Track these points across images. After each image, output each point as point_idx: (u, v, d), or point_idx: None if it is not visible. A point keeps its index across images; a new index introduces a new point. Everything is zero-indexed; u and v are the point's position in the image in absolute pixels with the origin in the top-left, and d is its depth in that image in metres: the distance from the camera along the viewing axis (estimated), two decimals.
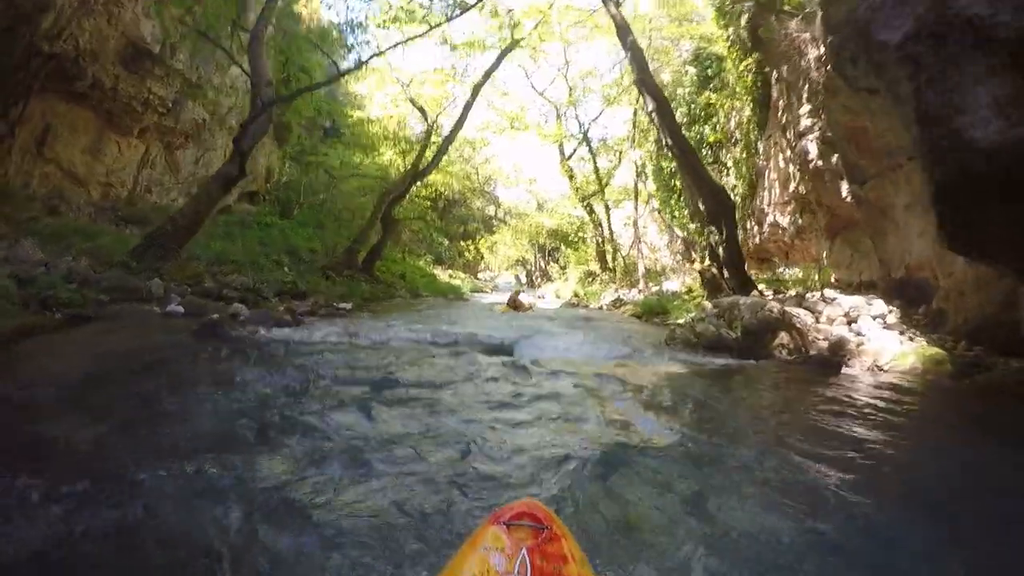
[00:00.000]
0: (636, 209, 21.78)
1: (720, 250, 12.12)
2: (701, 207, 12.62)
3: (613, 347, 8.01)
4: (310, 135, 23.54)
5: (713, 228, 12.33)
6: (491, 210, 40.01)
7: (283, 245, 15.92)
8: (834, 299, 8.73)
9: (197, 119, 16.55)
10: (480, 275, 62.37)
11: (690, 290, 16.06)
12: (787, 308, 8.01)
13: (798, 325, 7.57)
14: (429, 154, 17.96)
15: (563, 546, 1.52)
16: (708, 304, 9.70)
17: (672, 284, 20.77)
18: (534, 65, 25.61)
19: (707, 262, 13.04)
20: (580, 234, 31.42)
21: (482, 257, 25.44)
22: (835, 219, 13.06)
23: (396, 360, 6.01)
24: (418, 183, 23.02)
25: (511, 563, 1.39)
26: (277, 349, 6.21)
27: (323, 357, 5.86)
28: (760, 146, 18.02)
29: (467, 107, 17.64)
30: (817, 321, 7.96)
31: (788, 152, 14.88)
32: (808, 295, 9.50)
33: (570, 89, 25.20)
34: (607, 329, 10.80)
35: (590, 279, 28.43)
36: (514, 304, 14.73)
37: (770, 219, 17.86)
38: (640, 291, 19.90)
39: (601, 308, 17.20)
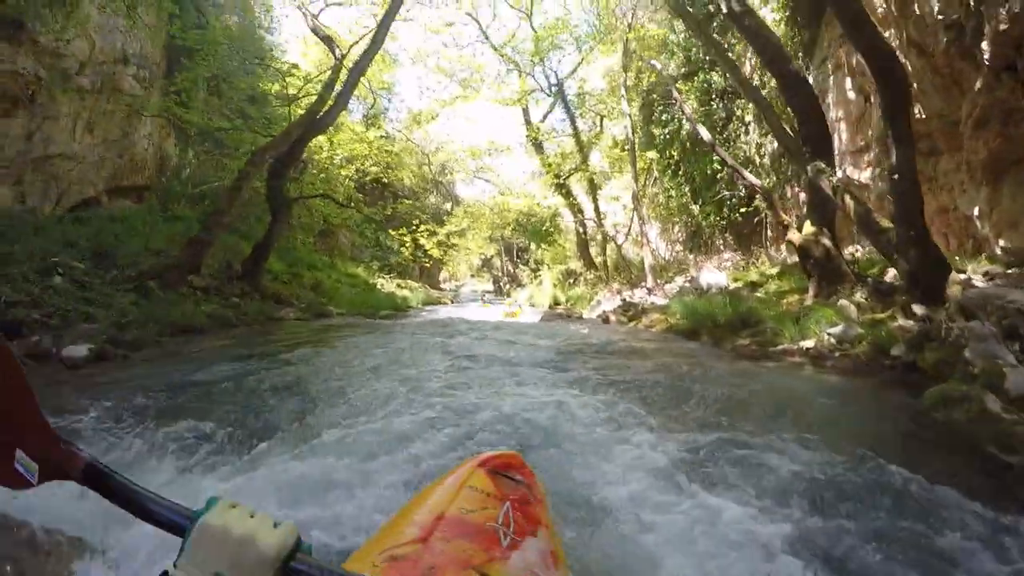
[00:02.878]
0: (635, 182, 16.14)
1: (843, 201, 6.50)
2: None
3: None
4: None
5: (821, 163, 6.72)
6: (448, 207, 34.11)
7: (125, 245, 9.95)
8: None
9: (26, 74, 10.68)
10: (444, 285, 56.63)
11: (755, 284, 10.50)
12: None
13: None
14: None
15: (539, 509, 1.46)
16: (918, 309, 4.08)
17: (680, 282, 15.27)
18: (489, 16, 19.99)
19: (811, 229, 7.45)
20: (553, 225, 25.77)
21: (427, 256, 19.13)
22: (1001, 150, 7.64)
23: None
24: (326, 151, 17.13)
25: (495, 511, 1.32)
26: None
27: None
28: (809, 78, 12.56)
29: (384, 24, 11.78)
30: None
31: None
32: None
33: (536, 39, 19.42)
34: (688, 383, 5.06)
35: (571, 280, 22.76)
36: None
37: (798, 191, 12.67)
38: (650, 291, 14.23)
39: (605, 320, 11.40)
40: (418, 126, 27.29)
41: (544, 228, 23.34)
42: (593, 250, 22.80)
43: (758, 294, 9.17)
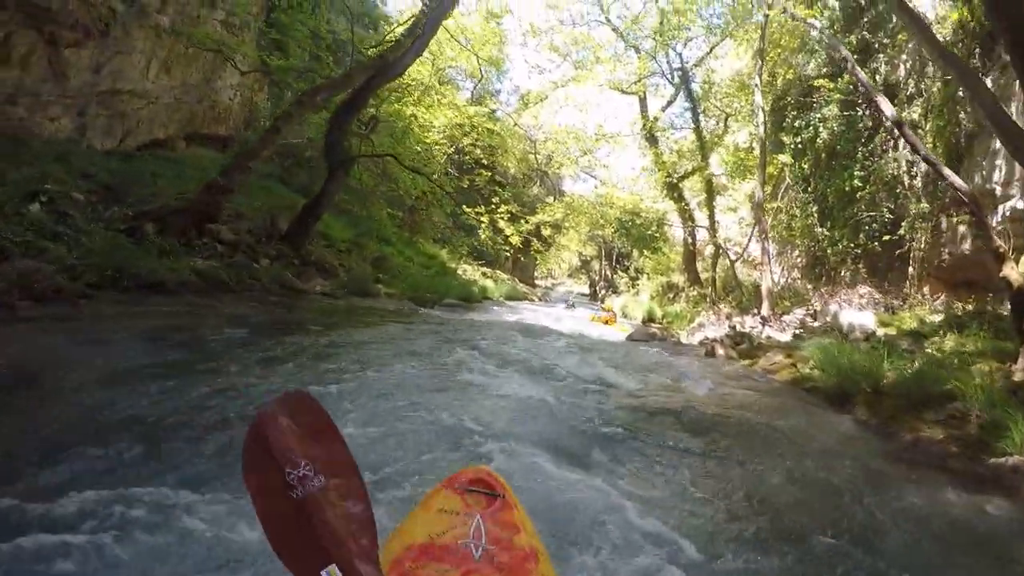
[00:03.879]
0: (761, 188, 13.33)
1: None
2: None
3: None
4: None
5: None
6: (550, 200, 32.03)
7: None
8: None
9: (99, 5, 10.01)
10: (540, 282, 54.75)
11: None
12: None
13: None
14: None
15: (514, 515, 1.47)
16: None
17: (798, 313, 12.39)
18: None
19: None
20: (659, 231, 23.08)
21: (507, 243, 16.92)
22: None
23: None
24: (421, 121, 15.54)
25: (466, 527, 1.35)
26: None
27: None
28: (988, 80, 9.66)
29: None
30: None
31: None
32: None
33: (661, 14, 16.83)
34: (870, 534, 2.74)
35: (671, 295, 20.10)
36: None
37: (1005, 210, 9.58)
38: (764, 321, 11.54)
39: (710, 352, 8.80)
40: (526, 108, 25.46)
41: (649, 233, 20.75)
42: (700, 265, 20.00)
43: (928, 350, 6.44)
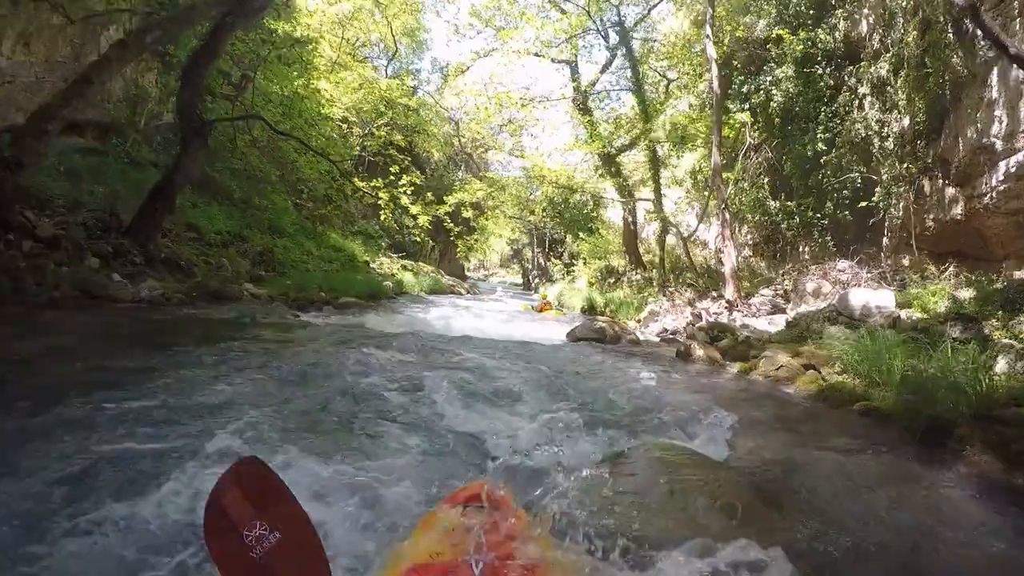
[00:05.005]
0: (719, 153, 11.43)
1: None
2: None
3: None
4: None
5: None
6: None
7: None
8: None
9: None
10: (472, 274, 52.27)
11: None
12: None
13: None
14: None
15: (516, 527, 1.44)
16: None
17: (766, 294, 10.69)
18: None
19: None
20: (596, 211, 21.16)
21: (417, 225, 14.12)
22: None
23: None
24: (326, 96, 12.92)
25: (466, 543, 1.31)
26: None
27: None
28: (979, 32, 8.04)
29: None
30: None
31: None
32: None
33: None
34: None
35: (612, 280, 18.25)
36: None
37: (1009, 167, 8.07)
38: (731, 305, 9.69)
39: (684, 354, 6.55)
40: (446, 83, 22.96)
41: (585, 212, 18.79)
42: (641, 247, 18.26)
43: (1006, 340, 4.59)
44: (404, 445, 2.85)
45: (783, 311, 9.03)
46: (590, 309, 15.74)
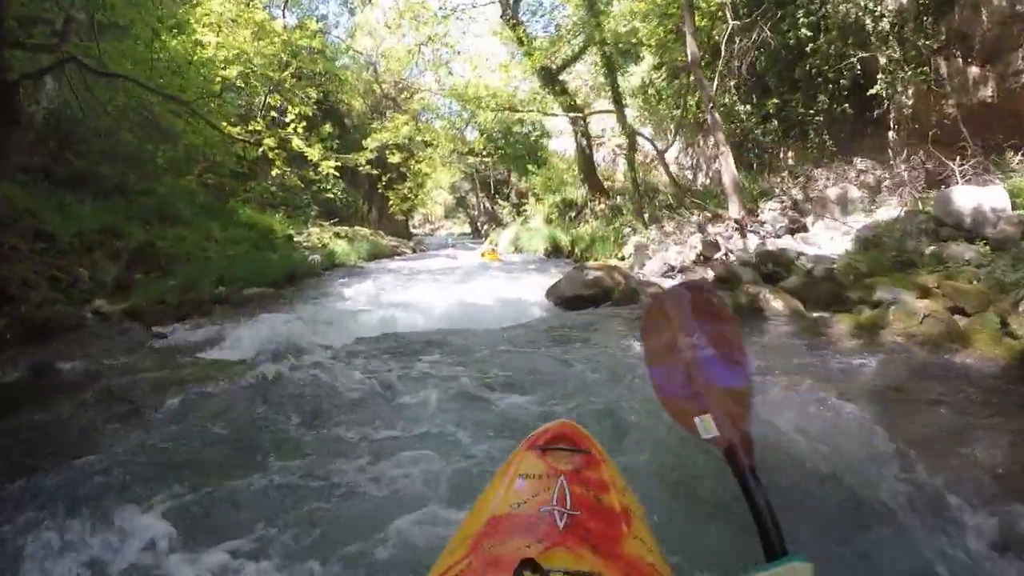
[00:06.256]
0: (694, 42, 9.26)
1: None
2: None
3: None
4: None
5: None
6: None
7: None
8: None
9: None
10: (418, 230, 49.31)
11: None
12: None
13: None
14: None
15: (603, 472, 1.30)
16: None
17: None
18: None
19: None
20: (539, 142, 18.91)
21: (317, 173, 11.34)
22: None
23: None
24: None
25: (548, 492, 1.19)
26: None
27: None
28: None
29: None
30: None
31: None
32: None
33: None
34: None
35: (572, 213, 16.31)
36: None
37: None
38: (739, 225, 7.83)
39: (741, 300, 4.60)
40: (356, 28, 19.84)
41: (531, 141, 16.46)
42: (601, 168, 16.25)
43: None
44: None
45: (803, 227, 7.23)
46: (554, 250, 13.81)
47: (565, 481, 1.21)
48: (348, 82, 23.47)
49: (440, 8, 12.56)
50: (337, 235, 18.57)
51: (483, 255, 15.43)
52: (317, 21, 24.42)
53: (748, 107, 11.58)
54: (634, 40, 12.95)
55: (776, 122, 11.03)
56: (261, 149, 9.32)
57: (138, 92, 9.01)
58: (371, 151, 12.76)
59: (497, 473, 1.40)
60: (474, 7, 13.36)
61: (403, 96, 28.01)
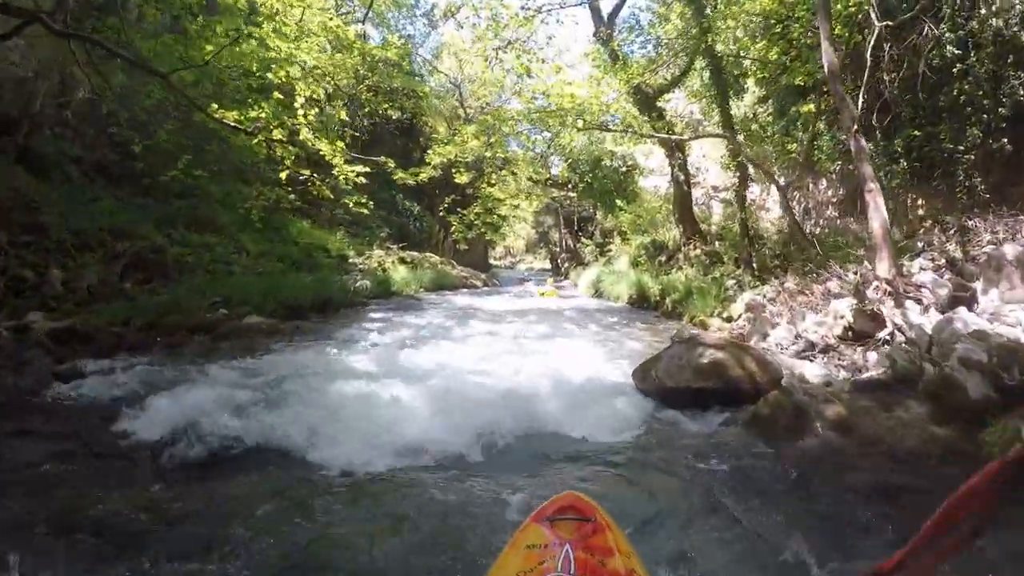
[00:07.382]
0: (832, 50, 7.26)
1: None
2: None
3: None
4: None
5: None
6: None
7: None
8: None
9: None
10: (499, 262, 48.30)
11: None
12: None
13: None
14: None
15: (607, 537, 1.40)
16: None
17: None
18: None
19: None
20: (630, 175, 16.97)
21: (345, 181, 9.59)
22: None
23: None
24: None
25: (554, 560, 1.27)
26: None
27: None
28: None
29: None
30: None
31: None
32: None
33: None
34: None
35: (663, 257, 14.24)
36: None
37: None
38: (891, 287, 5.57)
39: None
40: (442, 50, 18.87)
41: (619, 177, 14.56)
42: (698, 207, 14.16)
43: None
44: None
45: (973, 296, 4.93)
46: (640, 298, 11.76)
47: (570, 548, 1.28)
48: (428, 97, 22.56)
49: (523, 8, 10.98)
50: (402, 260, 17.31)
51: (541, 294, 16.30)
52: (401, 39, 23.85)
53: (871, 144, 9.32)
54: (743, 56, 10.91)
55: (904, 163, 8.72)
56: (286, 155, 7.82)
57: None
58: (434, 167, 11.25)
59: (507, 545, 1.47)
60: (562, 7, 11.72)
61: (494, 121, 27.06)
